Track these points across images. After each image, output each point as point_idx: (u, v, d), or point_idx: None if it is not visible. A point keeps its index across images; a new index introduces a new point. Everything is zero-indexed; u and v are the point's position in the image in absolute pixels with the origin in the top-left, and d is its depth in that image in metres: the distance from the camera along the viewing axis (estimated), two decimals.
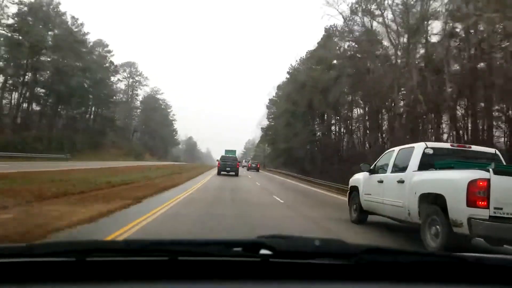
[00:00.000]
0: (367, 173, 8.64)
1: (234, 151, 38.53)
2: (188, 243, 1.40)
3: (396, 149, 7.99)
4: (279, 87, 69.82)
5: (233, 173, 31.45)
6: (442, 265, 1.36)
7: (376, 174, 8.26)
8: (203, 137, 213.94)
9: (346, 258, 1.31)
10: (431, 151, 6.81)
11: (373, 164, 8.66)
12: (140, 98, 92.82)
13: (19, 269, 1.22)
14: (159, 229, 6.90)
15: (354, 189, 9.24)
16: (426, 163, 6.71)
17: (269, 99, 74.12)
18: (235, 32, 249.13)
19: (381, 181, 7.78)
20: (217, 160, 34.59)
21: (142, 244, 1.34)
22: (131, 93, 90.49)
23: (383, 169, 8.17)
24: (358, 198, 8.89)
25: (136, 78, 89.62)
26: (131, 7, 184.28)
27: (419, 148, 6.95)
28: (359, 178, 9.12)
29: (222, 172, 31.43)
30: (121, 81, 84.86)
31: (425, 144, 6.99)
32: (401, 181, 6.93)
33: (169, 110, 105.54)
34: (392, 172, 7.59)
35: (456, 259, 1.42)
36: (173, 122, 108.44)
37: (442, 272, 1.35)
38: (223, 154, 35.46)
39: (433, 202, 5.93)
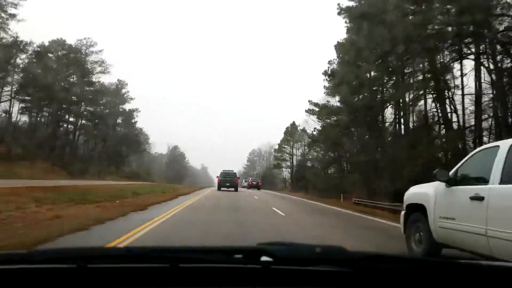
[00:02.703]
0: (442, 185, 5.47)
1: (232, 171, 37.03)
2: (190, 250, 1.35)
3: (504, 144, 4.77)
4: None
5: (233, 189, 32.36)
6: (443, 272, 1.30)
7: (463, 187, 5.09)
8: (198, 152, 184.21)
9: (347, 265, 1.26)
10: None
11: (454, 170, 5.48)
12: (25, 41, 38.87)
13: (20, 276, 1.18)
14: None
15: (417, 209, 6.04)
16: None
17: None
18: (235, 33, 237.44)
19: (479, 198, 4.59)
20: (217, 177, 35.40)
21: (143, 250, 1.33)
22: None
23: (474, 178, 5.03)
24: (425, 223, 5.70)
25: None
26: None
27: None
28: (426, 193, 5.91)
29: (222, 188, 32.28)
30: None
31: None
32: None
33: (124, 91, 57.38)
34: (502, 182, 4.41)
35: (457, 266, 1.38)
36: (134, 114, 59.53)
37: (443, 279, 1.28)
38: (222, 171, 35.83)
39: None
